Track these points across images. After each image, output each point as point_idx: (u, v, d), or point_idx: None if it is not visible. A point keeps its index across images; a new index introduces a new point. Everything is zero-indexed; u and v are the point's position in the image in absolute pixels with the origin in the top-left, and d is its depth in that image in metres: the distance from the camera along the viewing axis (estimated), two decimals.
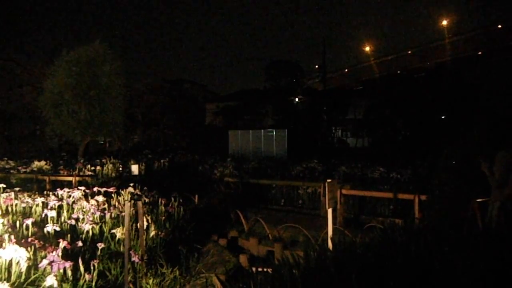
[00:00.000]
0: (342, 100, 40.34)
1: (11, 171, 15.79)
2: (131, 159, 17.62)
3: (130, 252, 5.38)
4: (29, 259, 4.71)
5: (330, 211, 6.05)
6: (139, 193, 9.25)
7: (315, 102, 40.21)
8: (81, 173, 14.78)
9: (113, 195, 8.55)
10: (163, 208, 8.44)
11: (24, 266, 4.56)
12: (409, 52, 43.51)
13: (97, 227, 6.66)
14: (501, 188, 5.85)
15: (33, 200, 8.03)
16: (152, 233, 6.98)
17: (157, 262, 6.12)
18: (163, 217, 8.05)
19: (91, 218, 6.88)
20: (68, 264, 4.59)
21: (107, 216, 7.18)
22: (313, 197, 11.91)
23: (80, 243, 5.57)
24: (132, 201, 7.46)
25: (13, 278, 4.50)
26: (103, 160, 16.51)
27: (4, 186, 9.67)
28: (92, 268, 4.92)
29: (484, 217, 5.93)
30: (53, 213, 7.00)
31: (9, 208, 7.85)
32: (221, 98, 51.86)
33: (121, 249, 6.09)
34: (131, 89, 28.27)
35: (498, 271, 3.25)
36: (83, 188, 9.03)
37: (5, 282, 4.38)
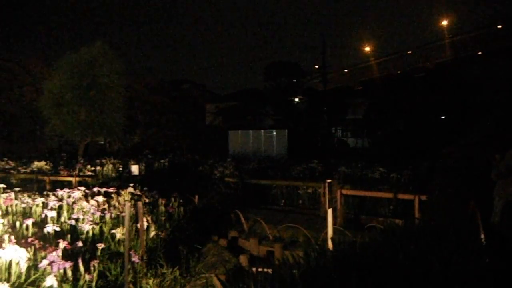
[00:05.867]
0: (342, 100, 40.32)
1: (11, 171, 15.78)
2: (131, 160, 17.63)
3: (130, 252, 5.38)
4: (29, 259, 4.72)
5: (330, 211, 6.05)
6: (139, 193, 9.25)
7: (315, 102, 40.18)
8: (81, 173, 14.79)
9: (113, 195, 8.55)
10: (163, 208, 8.45)
11: (24, 267, 4.56)
12: (409, 52, 43.49)
13: (97, 228, 6.66)
14: (505, 182, 5.89)
15: (33, 200, 8.03)
16: (152, 234, 6.98)
17: (157, 263, 6.12)
18: (163, 218, 8.06)
19: (91, 219, 6.88)
20: (68, 265, 4.59)
21: (107, 216, 7.18)
22: (313, 197, 11.90)
23: (80, 244, 5.57)
24: (132, 202, 7.47)
25: (13, 278, 4.50)
26: (103, 161, 16.53)
27: (4, 186, 9.67)
28: (92, 268, 4.92)
29: (487, 216, 5.96)
30: (53, 214, 7.00)
31: (9, 209, 7.84)
32: (221, 98, 51.82)
33: (121, 249, 6.09)
34: (131, 89, 28.28)
35: (498, 270, 3.26)
36: (83, 188, 9.04)
37: (5, 282, 4.38)
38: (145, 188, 9.92)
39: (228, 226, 10.09)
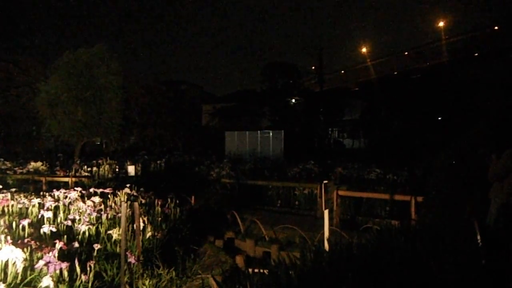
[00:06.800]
0: (339, 101, 40.44)
1: (7, 171, 15.74)
2: (127, 160, 17.61)
3: (127, 253, 5.38)
4: (25, 260, 4.71)
5: (326, 212, 6.06)
6: (135, 194, 9.25)
7: (311, 103, 40.27)
8: (77, 174, 14.77)
9: (109, 196, 8.54)
10: (159, 209, 8.43)
11: (20, 267, 4.55)
12: (406, 53, 43.54)
13: (93, 228, 6.66)
14: (501, 183, 5.92)
15: (30, 201, 8.02)
16: (149, 234, 6.98)
17: (153, 263, 6.12)
18: (160, 218, 8.05)
19: (87, 219, 6.86)
20: (64, 265, 4.58)
21: (104, 217, 7.17)
22: (309, 198, 11.92)
23: (76, 244, 5.56)
24: (129, 202, 7.46)
25: (9, 279, 4.50)
26: (100, 161, 16.50)
27: (0, 186, 9.66)
28: (88, 269, 4.91)
29: (483, 218, 5.97)
30: (49, 214, 6.98)
31: (5, 209, 7.83)
32: (217, 99, 51.85)
33: (118, 250, 6.09)
34: (128, 90, 28.22)
35: (494, 272, 3.27)
36: (79, 189, 9.01)
37: (1, 283, 4.37)
38: (141, 189, 9.91)
39: (224, 227, 10.10)
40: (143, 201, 8.93)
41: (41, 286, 4.25)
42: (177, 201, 9.23)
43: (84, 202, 7.96)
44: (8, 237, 5.11)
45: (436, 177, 7.48)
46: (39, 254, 4.97)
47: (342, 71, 50.42)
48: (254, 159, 22.31)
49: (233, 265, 7.44)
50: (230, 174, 14.72)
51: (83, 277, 4.79)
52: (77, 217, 6.94)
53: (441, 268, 3.25)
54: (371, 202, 10.49)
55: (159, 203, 8.58)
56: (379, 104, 32.76)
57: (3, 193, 8.95)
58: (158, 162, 17.59)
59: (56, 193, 8.61)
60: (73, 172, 14.99)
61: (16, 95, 28.05)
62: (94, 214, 7.23)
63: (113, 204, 8.05)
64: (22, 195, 9.08)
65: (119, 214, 7.07)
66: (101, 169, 15.23)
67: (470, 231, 4.75)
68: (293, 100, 43.66)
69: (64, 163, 18.64)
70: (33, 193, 9.76)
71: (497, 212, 5.91)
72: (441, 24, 40.33)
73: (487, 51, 35.50)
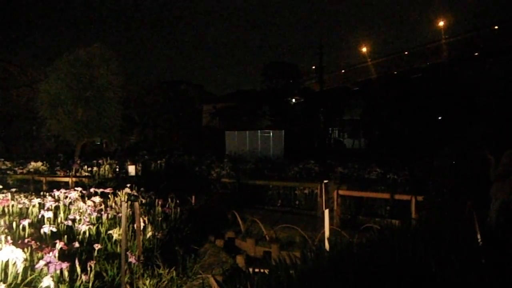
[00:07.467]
0: (339, 101, 40.38)
1: (8, 172, 15.75)
2: (127, 160, 17.60)
3: (127, 253, 5.37)
4: (25, 260, 4.71)
5: (326, 211, 6.05)
6: (136, 194, 9.24)
7: (312, 103, 40.21)
8: (77, 174, 14.76)
9: (110, 196, 8.54)
10: (160, 209, 8.43)
11: (20, 267, 4.55)
12: (406, 53, 43.49)
13: (94, 228, 6.66)
14: (501, 183, 5.93)
15: (30, 201, 8.02)
16: (149, 234, 6.98)
17: (154, 263, 6.11)
18: (160, 218, 8.05)
19: (87, 219, 6.86)
20: (64, 265, 4.58)
21: (104, 217, 7.18)
22: (310, 198, 11.91)
23: (76, 244, 5.57)
24: (129, 202, 7.46)
25: (9, 279, 4.50)
26: (100, 161, 16.48)
27: (1, 187, 9.66)
28: (88, 269, 4.91)
29: (483, 217, 5.98)
30: (49, 214, 6.98)
31: (6, 209, 7.83)
32: (218, 98, 51.74)
33: (118, 250, 6.08)
34: (128, 89, 28.20)
35: (494, 271, 3.27)
36: (79, 189, 9.00)
37: (1, 283, 4.37)
38: (141, 189, 9.91)
39: (225, 226, 10.09)
40: (144, 201, 8.93)
41: (41, 286, 4.25)
42: (178, 201, 9.23)
43: (84, 202, 7.96)
44: (9, 237, 5.11)
45: (437, 177, 7.48)
46: (40, 254, 4.97)
47: (342, 71, 50.39)
48: (254, 159, 22.29)
49: (234, 265, 7.44)
50: (230, 174, 14.72)
51: (83, 277, 4.79)
52: (78, 217, 6.94)
53: (442, 268, 3.25)
54: (371, 201, 10.48)
55: (160, 203, 8.58)
56: (379, 104, 32.68)
57: (3, 193, 8.97)
58: (159, 162, 17.57)
59: (56, 193, 8.60)
60: (73, 172, 14.99)
61: (16, 95, 28.07)
62: (95, 214, 7.23)
63: (113, 204, 8.05)
64: (22, 195, 9.09)
65: (120, 214, 7.07)
66: (101, 169, 15.21)
67: (470, 230, 4.74)
68: (293, 100, 43.64)
69: (64, 163, 18.63)
70: (33, 193, 9.76)
71: (497, 211, 5.93)
72: (441, 23, 40.30)
73: (487, 51, 35.47)
